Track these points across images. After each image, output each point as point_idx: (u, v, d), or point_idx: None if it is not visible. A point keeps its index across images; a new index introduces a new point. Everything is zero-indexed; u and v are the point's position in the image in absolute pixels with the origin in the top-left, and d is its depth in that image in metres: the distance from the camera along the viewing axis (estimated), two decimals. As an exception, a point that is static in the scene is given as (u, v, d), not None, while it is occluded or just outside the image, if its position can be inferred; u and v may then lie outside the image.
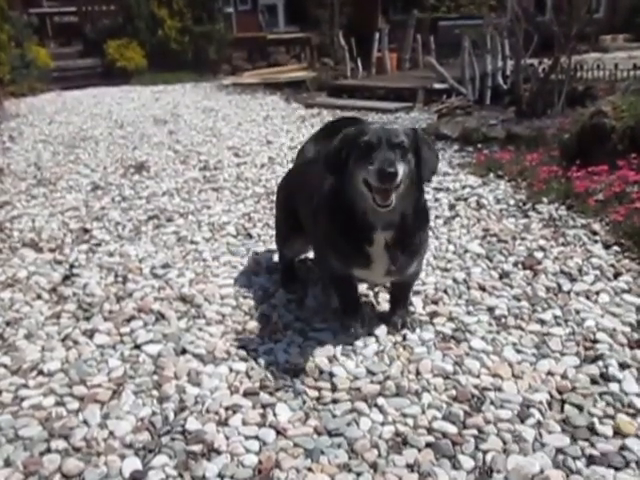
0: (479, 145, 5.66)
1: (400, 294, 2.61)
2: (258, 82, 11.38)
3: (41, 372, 2.42)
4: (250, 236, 3.68)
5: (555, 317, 2.61)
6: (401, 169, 2.08)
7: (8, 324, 2.81)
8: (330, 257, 2.47)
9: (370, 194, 2.15)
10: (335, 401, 2.16)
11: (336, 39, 12.07)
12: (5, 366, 2.48)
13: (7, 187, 5.14)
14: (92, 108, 9.49)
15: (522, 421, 2.00)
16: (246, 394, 2.22)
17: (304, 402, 2.17)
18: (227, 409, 2.15)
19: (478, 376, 2.24)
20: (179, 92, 11.01)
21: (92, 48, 14.25)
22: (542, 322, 2.58)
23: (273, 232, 3.69)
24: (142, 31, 12.78)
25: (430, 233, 3.50)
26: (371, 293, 2.86)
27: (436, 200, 4.17)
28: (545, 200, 4.00)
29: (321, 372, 2.32)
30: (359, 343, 2.48)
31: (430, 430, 1.99)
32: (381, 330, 2.55)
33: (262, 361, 2.41)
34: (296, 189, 2.86)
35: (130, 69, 12.56)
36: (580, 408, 2.05)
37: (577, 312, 2.64)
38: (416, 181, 2.25)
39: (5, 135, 7.53)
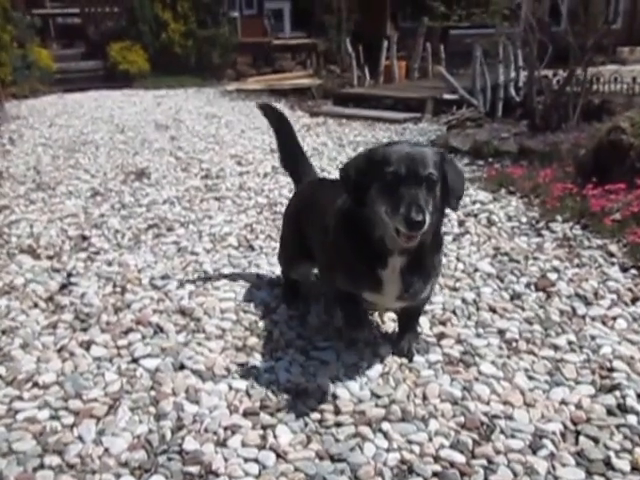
0: (490, 159, 5.55)
1: (410, 319, 2.52)
2: (262, 88, 11.31)
3: (36, 384, 2.37)
4: (252, 248, 3.62)
5: (569, 343, 2.53)
6: (428, 217, 1.96)
7: (4, 332, 2.75)
8: (340, 278, 2.37)
9: (393, 225, 2.02)
10: (338, 424, 2.10)
11: (343, 46, 11.98)
12: (0, 376, 2.42)
13: (6, 191, 5.07)
14: (93, 112, 9.44)
15: (534, 452, 1.93)
16: (246, 414, 2.16)
17: (306, 424, 2.10)
18: (226, 429, 2.09)
19: (488, 403, 2.17)
20: (181, 97, 10.95)
21: (95, 50, 14.21)
22: (555, 347, 2.50)
23: (275, 244, 3.64)
24: (145, 34, 12.72)
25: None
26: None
27: (445, 216, 4.07)
28: (559, 218, 3.90)
29: (324, 393, 2.25)
30: (363, 364, 2.41)
31: (437, 459, 1.92)
32: (386, 351, 2.49)
33: (263, 379, 2.34)
34: (307, 207, 2.75)
35: (132, 72, 12.50)
36: (596, 440, 1.98)
37: (592, 338, 2.56)
38: (440, 208, 2.15)
39: (5, 137, 7.47)
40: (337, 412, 2.15)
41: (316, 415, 2.14)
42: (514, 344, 2.54)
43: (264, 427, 2.09)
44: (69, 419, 2.16)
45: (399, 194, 1.97)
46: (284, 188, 4.85)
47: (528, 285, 3.05)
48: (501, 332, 2.62)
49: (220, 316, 2.83)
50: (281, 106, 9.60)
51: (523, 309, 2.82)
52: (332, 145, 6.58)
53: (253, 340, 2.62)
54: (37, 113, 9.41)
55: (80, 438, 2.07)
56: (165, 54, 12.65)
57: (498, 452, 1.93)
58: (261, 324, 2.75)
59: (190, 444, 2.01)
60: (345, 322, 2.54)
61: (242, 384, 2.32)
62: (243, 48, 14.25)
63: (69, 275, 3.31)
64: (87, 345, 2.62)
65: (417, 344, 2.51)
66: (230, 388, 2.30)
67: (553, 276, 3.12)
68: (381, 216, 2.07)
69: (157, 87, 12.11)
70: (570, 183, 4.34)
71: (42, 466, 1.95)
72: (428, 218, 1.95)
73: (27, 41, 12.06)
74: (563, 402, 2.17)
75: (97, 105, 10.16)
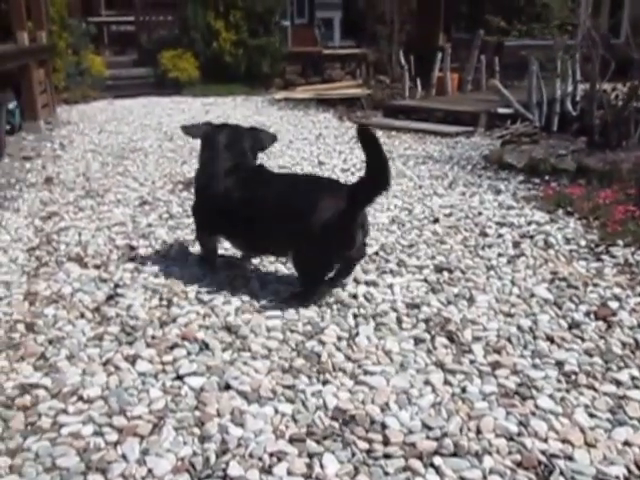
0: (547, 177, 5.36)
1: None
2: (311, 97, 11.26)
3: (81, 398, 2.35)
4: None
5: (632, 378, 2.40)
6: None
7: (50, 342, 2.75)
8: None
9: None
10: (387, 456, 2.02)
11: (395, 56, 11.86)
12: (46, 388, 2.41)
13: (56, 197, 5.13)
14: (142, 118, 9.56)
15: (597, 498, 1.83)
16: (292, 440, 2.10)
17: (353, 454, 2.03)
18: (271, 455, 2.03)
19: (546, 440, 2.06)
20: (230, 105, 11.01)
21: (146, 58, 14.45)
22: (618, 383, 2.37)
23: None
24: (197, 42, 12.83)
25: (492, 273, 3.39)
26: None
27: (499, 236, 3.96)
28: (620, 243, 3.74)
29: (372, 422, 2.18)
30: (414, 392, 2.33)
31: (493, 500, 1.83)
32: (438, 379, 2.40)
33: (309, 404, 2.28)
34: None
35: (182, 80, 12.63)
36: (663, 488, 1.86)
37: (658, 374, 2.42)
38: None
39: (56, 142, 7.60)
40: (386, 443, 2.08)
41: (364, 445, 2.07)
42: (573, 377, 2.42)
43: (310, 455, 2.03)
44: (113, 436, 2.13)
45: None
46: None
47: (587, 314, 2.92)
48: (559, 364, 2.50)
49: (266, 334, 2.78)
50: (330, 116, 9.58)
51: (582, 339, 2.69)
52: (380, 158, 6.48)
53: (300, 362, 2.56)
54: (87, 119, 9.58)
55: (124, 457, 2.04)
56: (215, 62, 12.74)
57: (558, 496, 1.83)
58: (308, 345, 2.68)
59: (234, 470, 1.96)
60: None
61: (288, 408, 2.26)
62: (293, 57, 14.28)
63: (116, 286, 3.31)
64: (132, 359, 2.60)
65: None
66: (276, 412, 2.24)
67: (614, 305, 2.99)
68: None
69: (206, 95, 12.20)
70: (632, 205, 4.17)
71: (85, 484, 1.92)
72: None
73: (81, 48, 12.32)
74: (626, 443, 2.05)
75: (146, 112, 10.29)
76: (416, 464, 1.97)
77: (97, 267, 3.58)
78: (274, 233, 3.11)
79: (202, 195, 3.43)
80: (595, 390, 2.34)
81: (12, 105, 7.69)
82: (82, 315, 3.00)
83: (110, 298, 3.17)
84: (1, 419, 2.23)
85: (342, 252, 3.05)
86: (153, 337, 2.78)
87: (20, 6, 8.13)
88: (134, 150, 7.10)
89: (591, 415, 2.19)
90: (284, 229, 3.02)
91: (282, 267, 3.51)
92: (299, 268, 3.11)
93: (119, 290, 3.25)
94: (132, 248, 3.87)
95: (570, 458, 1.98)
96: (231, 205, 3.19)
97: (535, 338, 2.70)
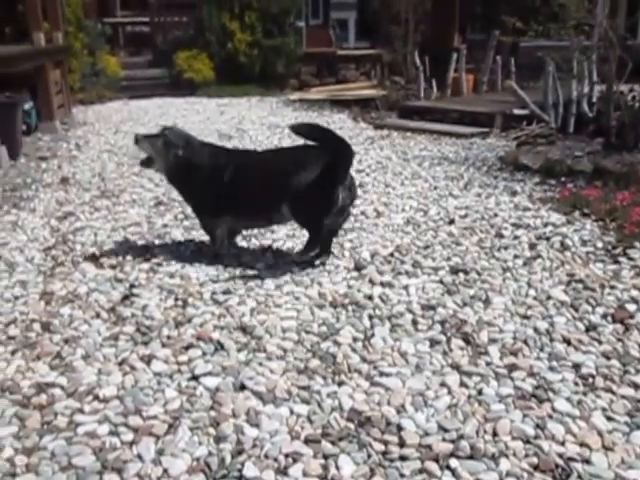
0: (563, 179, 5.31)
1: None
2: (325, 98, 11.24)
3: (97, 397, 2.36)
4: (313, 265, 3.56)
5: (650, 382, 2.38)
6: None
7: (66, 342, 2.76)
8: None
9: None
10: (403, 458, 2.01)
11: (410, 57, 11.82)
12: (61, 387, 2.43)
13: (72, 197, 5.16)
14: (157, 119, 9.58)
15: (616, 503, 1.80)
16: (307, 441, 2.10)
17: (369, 456, 2.02)
18: (287, 456, 2.03)
19: (563, 443, 2.04)
20: (244, 106, 11.02)
21: (161, 58, 14.51)
22: (636, 386, 2.35)
23: (339, 262, 3.59)
24: (212, 43, 12.84)
25: (508, 274, 3.36)
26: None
27: (515, 238, 3.93)
28: (638, 245, 3.70)
29: (388, 424, 2.17)
30: (430, 394, 2.32)
31: (510, 502, 1.82)
32: (453, 381, 2.39)
33: (325, 405, 2.27)
34: None
35: (197, 81, 12.66)
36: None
37: (676, 378, 2.39)
38: None
39: (72, 143, 7.65)
40: (402, 444, 2.07)
41: (380, 446, 2.06)
42: (590, 380, 2.39)
43: (326, 456, 2.02)
44: (128, 436, 2.14)
45: None
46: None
47: (605, 316, 2.89)
48: (576, 366, 2.48)
49: (281, 335, 2.78)
50: (344, 117, 9.57)
51: (600, 342, 2.66)
52: (396, 159, 6.47)
53: (315, 362, 2.55)
54: (103, 119, 9.63)
55: (139, 457, 2.04)
56: (230, 63, 12.76)
57: (576, 500, 1.81)
58: (323, 346, 2.68)
59: (250, 470, 1.96)
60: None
61: (303, 409, 2.26)
62: (307, 58, 14.27)
63: (131, 286, 3.32)
64: (148, 359, 2.60)
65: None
66: (291, 412, 2.24)
67: (632, 307, 2.95)
68: None
69: (220, 96, 12.22)
70: (650, 207, 4.12)
71: (101, 484, 1.92)
72: None
73: (97, 49, 12.39)
74: (645, 447, 2.02)
75: (161, 112, 10.32)
76: (432, 466, 1.96)
77: (113, 267, 3.60)
78: (268, 194, 3.51)
79: (198, 186, 3.69)
80: (613, 393, 2.31)
81: (28, 105, 7.74)
82: (98, 315, 3.01)
83: (125, 298, 3.18)
84: (18, 418, 2.24)
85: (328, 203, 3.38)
86: (168, 337, 2.78)
87: (36, 7, 8.19)
88: (149, 150, 7.12)
89: (609, 418, 2.17)
90: (277, 189, 3.45)
91: (297, 268, 3.51)
92: (299, 218, 3.54)
93: (134, 290, 3.26)
94: (147, 248, 3.88)
95: (588, 462, 1.96)
96: (227, 182, 3.58)
97: (552, 340, 2.68)
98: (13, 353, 2.68)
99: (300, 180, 3.37)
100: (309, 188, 3.35)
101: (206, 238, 3.91)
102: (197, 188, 3.69)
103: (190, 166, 3.65)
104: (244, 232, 4.14)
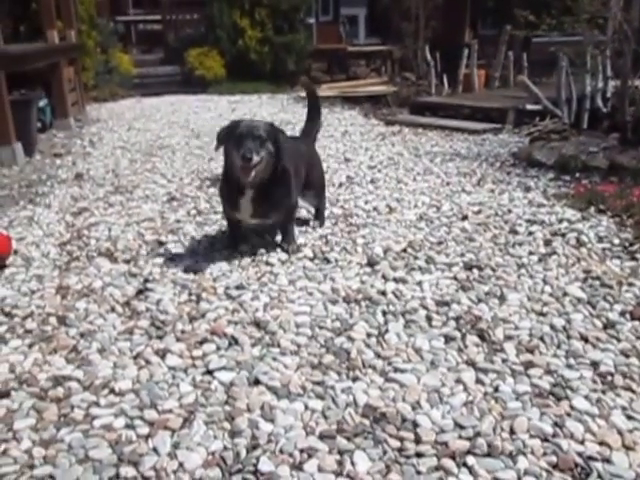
0: (577, 174, 5.27)
1: (282, 231, 3.79)
2: (336, 95, 11.22)
3: (112, 390, 2.36)
4: (327, 260, 3.55)
5: (670, 380, 2.34)
6: (257, 157, 3.23)
7: (82, 336, 2.77)
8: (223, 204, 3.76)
9: (237, 163, 3.28)
10: (419, 455, 1.99)
11: (420, 53, 11.77)
12: (78, 380, 2.43)
13: (86, 193, 5.18)
14: (170, 116, 9.62)
15: (636, 502, 1.78)
16: (322, 436, 2.08)
17: (385, 452, 2.01)
18: (302, 451, 2.02)
19: (582, 442, 2.01)
20: (255, 103, 11.02)
21: (173, 56, 14.57)
22: (656, 386, 2.32)
23: (351, 257, 3.58)
24: (223, 41, 12.86)
25: (523, 271, 3.32)
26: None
27: (530, 234, 3.89)
28: (656, 241, 3.65)
29: (404, 420, 2.15)
30: (445, 390, 2.30)
31: (528, 501, 1.80)
32: (469, 378, 2.37)
33: (339, 401, 2.26)
34: None
35: (208, 78, 12.68)
36: None
37: (696, 376, 2.36)
38: (274, 158, 3.36)
39: (86, 140, 7.69)
40: (418, 441, 2.05)
41: (395, 443, 2.05)
42: (609, 378, 2.36)
43: (341, 452, 2.01)
44: (144, 429, 2.14)
45: (241, 144, 3.23)
46: (360, 199, 4.78)
47: (622, 313, 2.85)
48: (594, 364, 2.44)
49: (295, 330, 2.77)
50: (355, 114, 9.54)
51: (618, 340, 2.63)
52: (408, 155, 6.45)
53: (329, 358, 2.54)
54: (116, 116, 9.67)
55: (155, 450, 2.04)
56: (241, 60, 12.77)
57: (596, 499, 1.79)
58: (337, 341, 2.67)
59: (265, 465, 1.95)
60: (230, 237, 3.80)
61: (318, 404, 2.25)
62: (318, 54, 14.26)
63: (146, 281, 3.32)
64: (162, 353, 2.60)
65: (290, 245, 3.68)
66: (306, 408, 2.23)
67: (650, 304, 2.92)
68: (232, 159, 3.35)
69: (231, 92, 12.24)
70: (668, 204, 4.06)
71: (117, 476, 1.93)
72: (256, 157, 3.22)
73: (110, 47, 12.47)
74: (666, 447, 1.99)
75: (173, 109, 10.35)
76: (449, 463, 1.95)
77: (127, 262, 3.61)
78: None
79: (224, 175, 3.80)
80: (632, 392, 2.28)
81: (43, 103, 7.79)
82: (112, 309, 3.02)
83: (140, 292, 3.18)
84: (35, 410, 2.25)
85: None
86: (183, 332, 2.78)
87: (50, 5, 8.24)
88: (162, 147, 7.15)
89: (629, 417, 2.13)
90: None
91: (310, 264, 3.50)
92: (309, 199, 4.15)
93: (149, 285, 3.26)
94: (161, 243, 3.89)
95: (608, 461, 1.93)
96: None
97: (569, 338, 2.65)
98: (30, 346, 2.70)
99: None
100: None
101: (215, 233, 3.91)
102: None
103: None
104: (257, 228, 4.14)
